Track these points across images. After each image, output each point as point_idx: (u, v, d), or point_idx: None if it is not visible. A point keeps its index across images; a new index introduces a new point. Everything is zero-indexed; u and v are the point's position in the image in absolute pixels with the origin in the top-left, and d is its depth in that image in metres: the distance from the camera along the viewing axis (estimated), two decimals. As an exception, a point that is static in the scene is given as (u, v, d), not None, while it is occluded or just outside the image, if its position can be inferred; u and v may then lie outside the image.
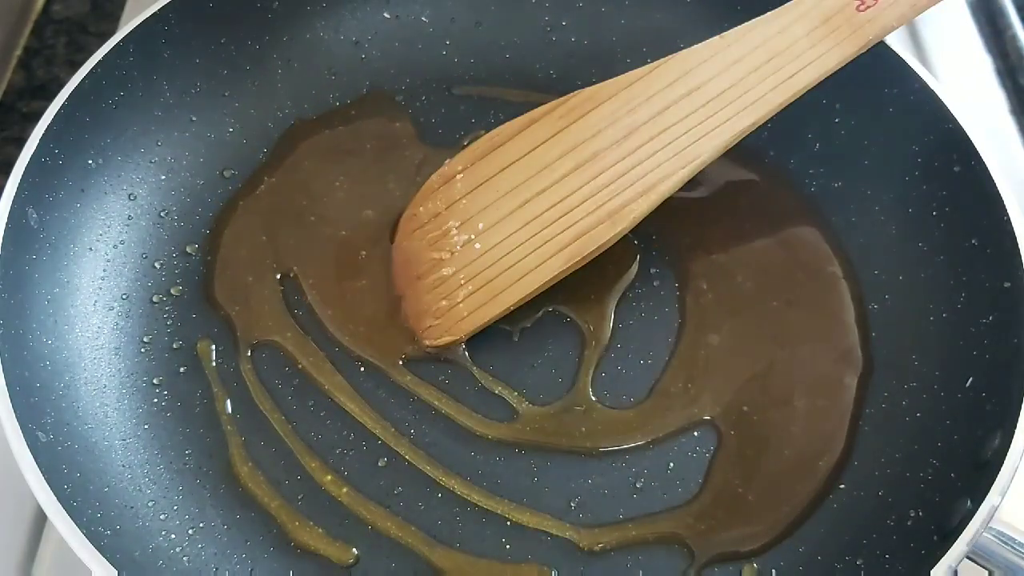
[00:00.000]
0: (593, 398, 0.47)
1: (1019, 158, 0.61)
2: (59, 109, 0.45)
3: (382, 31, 0.57)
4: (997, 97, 0.63)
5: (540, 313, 0.49)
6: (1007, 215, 0.43)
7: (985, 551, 0.37)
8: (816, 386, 0.47)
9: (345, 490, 0.45)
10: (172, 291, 0.49)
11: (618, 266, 0.50)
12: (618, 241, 0.46)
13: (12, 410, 0.38)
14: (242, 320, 0.49)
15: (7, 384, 0.39)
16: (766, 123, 0.45)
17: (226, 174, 0.53)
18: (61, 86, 0.46)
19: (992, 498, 0.37)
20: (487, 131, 0.49)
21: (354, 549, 0.43)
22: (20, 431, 0.38)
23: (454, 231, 0.48)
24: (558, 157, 0.47)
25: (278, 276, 0.50)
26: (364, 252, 0.51)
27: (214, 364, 0.47)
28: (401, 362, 0.48)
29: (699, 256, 0.51)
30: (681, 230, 0.51)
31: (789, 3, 0.45)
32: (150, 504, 0.43)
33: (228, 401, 0.47)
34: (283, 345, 0.48)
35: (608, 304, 0.49)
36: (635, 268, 0.50)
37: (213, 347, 0.48)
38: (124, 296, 0.49)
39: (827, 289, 0.50)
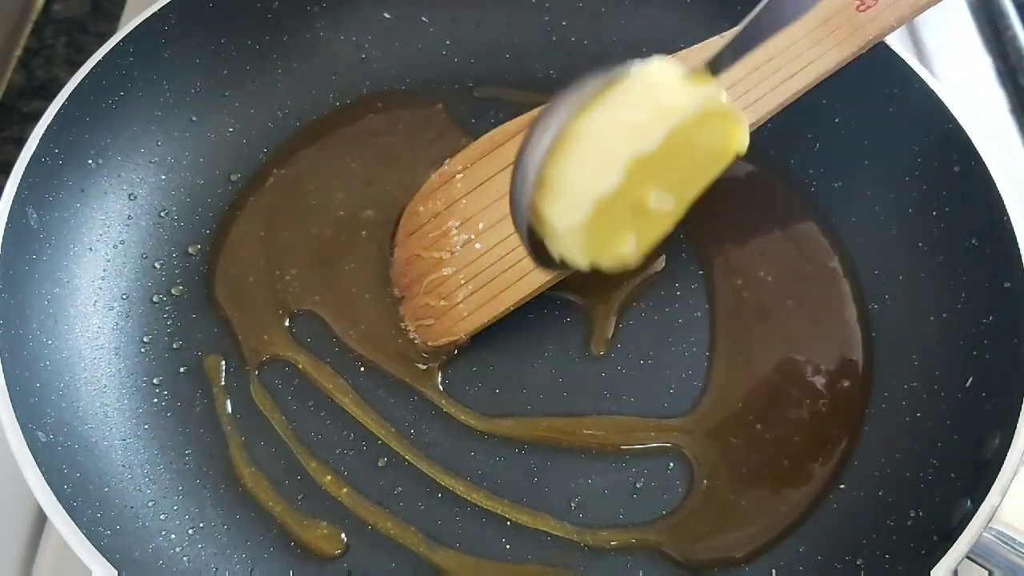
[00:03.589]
0: (594, 399, 0.47)
1: (1019, 158, 0.61)
2: (59, 109, 0.45)
3: (382, 31, 0.57)
4: (997, 97, 0.63)
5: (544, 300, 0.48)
6: (1007, 215, 0.43)
7: (985, 551, 0.37)
8: (818, 389, 0.47)
9: (345, 490, 0.45)
10: (172, 291, 0.49)
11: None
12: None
13: (12, 410, 0.39)
14: (242, 321, 0.49)
15: (7, 384, 0.39)
16: (766, 123, 0.45)
17: (232, 177, 0.53)
18: (61, 86, 0.46)
19: (992, 498, 0.37)
20: (488, 130, 0.49)
21: (343, 535, 0.43)
22: (20, 431, 0.38)
23: (454, 231, 0.48)
24: (558, 157, 0.47)
25: (278, 276, 0.50)
26: (364, 252, 0.51)
27: (220, 367, 0.48)
28: (401, 362, 0.48)
29: (724, 254, 0.51)
30: (687, 228, 0.51)
31: (789, 3, 0.45)
32: (150, 504, 0.43)
33: (228, 401, 0.47)
34: (283, 345, 0.48)
35: (611, 304, 0.49)
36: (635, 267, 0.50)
37: (223, 362, 0.48)
38: (124, 296, 0.49)
39: (830, 287, 0.50)
